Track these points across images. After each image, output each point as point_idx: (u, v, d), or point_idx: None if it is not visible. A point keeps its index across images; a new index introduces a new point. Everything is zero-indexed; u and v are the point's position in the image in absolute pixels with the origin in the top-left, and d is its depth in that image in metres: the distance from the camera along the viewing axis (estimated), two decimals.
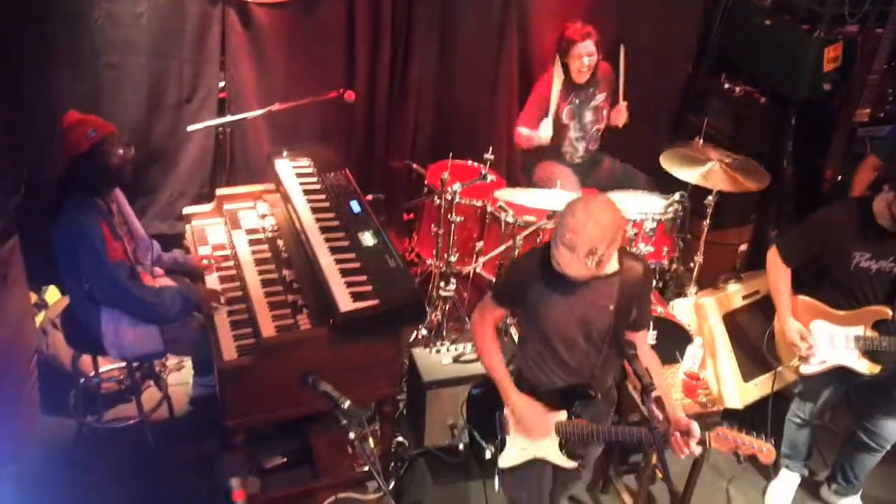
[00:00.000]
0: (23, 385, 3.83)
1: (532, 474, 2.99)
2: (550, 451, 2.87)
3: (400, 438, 4.03)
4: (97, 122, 3.38)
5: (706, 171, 4.15)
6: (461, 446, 3.79)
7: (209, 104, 4.51)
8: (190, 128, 4.23)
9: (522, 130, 4.68)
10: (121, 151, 3.41)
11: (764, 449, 2.62)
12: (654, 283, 4.28)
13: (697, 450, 2.63)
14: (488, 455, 2.97)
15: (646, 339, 2.89)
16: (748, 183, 4.15)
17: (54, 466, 3.83)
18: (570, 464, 2.87)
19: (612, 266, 2.71)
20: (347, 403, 2.50)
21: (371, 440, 2.55)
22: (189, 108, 4.48)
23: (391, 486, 3.79)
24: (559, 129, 4.68)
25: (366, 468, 3.83)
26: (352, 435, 2.46)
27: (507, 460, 2.94)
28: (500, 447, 2.95)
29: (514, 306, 2.93)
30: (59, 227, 3.37)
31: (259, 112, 4.23)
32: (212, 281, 3.84)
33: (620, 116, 4.70)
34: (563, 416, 2.83)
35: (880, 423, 3.60)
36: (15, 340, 3.77)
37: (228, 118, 4.34)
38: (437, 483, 3.93)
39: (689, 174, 4.15)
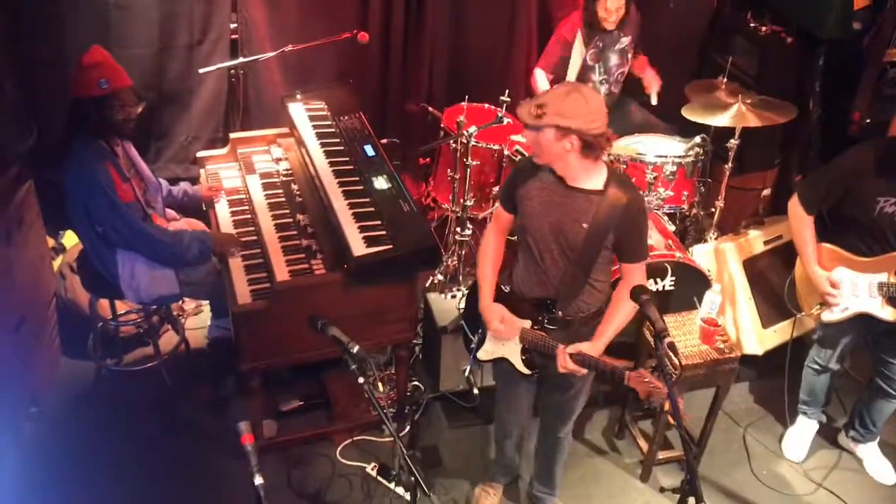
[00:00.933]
0: (42, 329, 3.88)
1: (507, 379, 3.18)
2: (513, 355, 3.01)
3: (415, 382, 4.05)
4: (113, 73, 3.30)
5: (731, 114, 4.03)
6: (476, 391, 3.80)
7: (221, 46, 4.43)
8: (202, 70, 4.17)
9: (539, 76, 4.57)
10: (128, 109, 3.36)
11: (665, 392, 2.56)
12: (674, 227, 4.20)
13: (574, 367, 2.74)
14: (473, 346, 3.16)
15: (635, 274, 2.78)
16: (775, 117, 4.04)
17: (75, 408, 3.89)
18: (524, 370, 3.00)
19: (596, 183, 2.70)
20: (356, 348, 2.49)
21: (382, 385, 2.57)
22: (201, 50, 4.40)
23: (406, 430, 3.82)
24: (582, 70, 4.57)
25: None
26: (361, 379, 2.44)
27: (482, 354, 3.14)
28: (480, 342, 3.14)
29: (510, 206, 2.92)
30: (69, 169, 3.34)
31: (272, 54, 4.16)
32: (224, 222, 3.83)
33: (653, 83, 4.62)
34: (527, 324, 2.92)
35: None
36: (33, 284, 3.80)
37: (241, 60, 4.27)
38: (453, 427, 3.95)
39: (714, 119, 4.05)
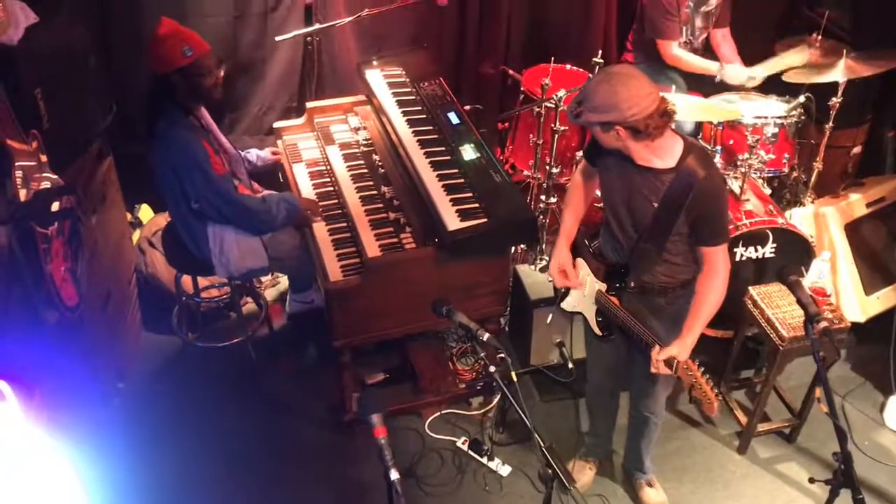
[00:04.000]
0: (125, 304, 3.88)
1: (590, 339, 3.16)
2: (589, 313, 3.01)
3: (502, 355, 3.96)
4: (193, 38, 3.20)
5: (839, 69, 3.83)
6: (571, 365, 3.70)
7: (295, 12, 4.30)
8: (278, 38, 4.06)
9: (676, 51, 4.35)
10: (214, 72, 3.28)
11: (709, 398, 2.56)
12: (772, 192, 4.03)
13: (666, 370, 2.65)
14: (558, 295, 3.16)
15: (716, 258, 2.65)
16: (891, 63, 3.86)
17: (161, 383, 3.89)
18: (597, 331, 2.99)
19: (669, 161, 2.58)
20: (486, 336, 2.39)
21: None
22: (275, 17, 4.28)
23: (496, 403, 3.74)
24: None
25: (467, 385, 3.81)
26: (492, 368, 2.34)
27: (566, 304, 3.14)
28: (566, 292, 3.12)
29: (594, 162, 2.86)
30: (161, 148, 3.28)
31: (349, 19, 4.03)
32: (307, 194, 3.75)
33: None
34: (602, 286, 2.90)
35: None
36: (116, 260, 3.79)
37: (316, 26, 4.14)
38: (545, 400, 3.87)
39: (817, 77, 3.86)
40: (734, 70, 4.23)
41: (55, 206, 2.82)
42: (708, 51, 4.56)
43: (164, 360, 4.02)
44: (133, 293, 4.03)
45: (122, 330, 3.81)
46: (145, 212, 4.56)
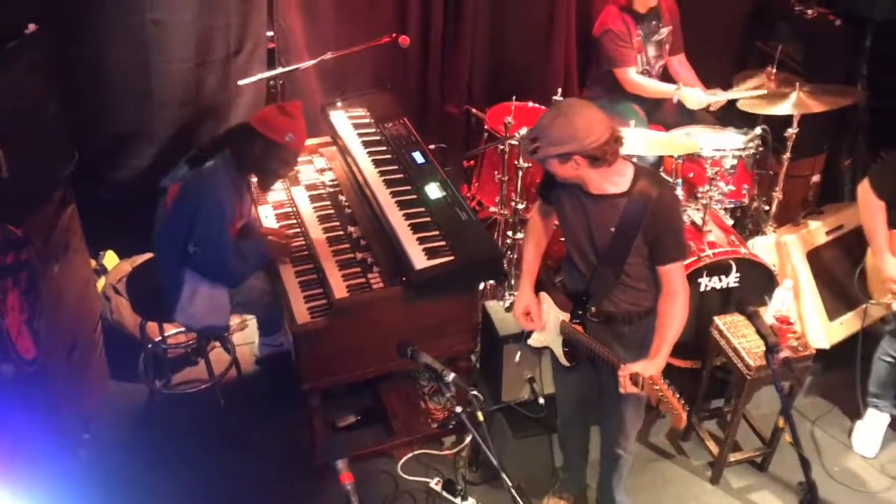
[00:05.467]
0: (91, 352, 3.81)
1: (558, 372, 3.20)
2: (555, 345, 3.03)
3: (474, 393, 3.94)
4: (300, 132, 3.34)
5: (792, 102, 3.94)
6: (542, 400, 3.70)
7: (258, 55, 4.33)
8: (241, 82, 4.08)
9: (633, 76, 4.42)
10: (289, 168, 3.49)
11: (676, 411, 2.55)
12: (731, 222, 4.10)
13: (633, 389, 2.65)
14: (525, 331, 3.19)
15: (673, 277, 2.68)
16: (837, 100, 3.98)
17: (128, 432, 3.83)
18: (564, 362, 3.01)
19: (622, 186, 2.64)
20: (452, 376, 2.38)
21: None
22: (237, 61, 4.30)
23: (468, 441, 3.72)
24: None
25: (439, 424, 3.79)
26: (458, 409, 2.33)
27: (533, 340, 3.17)
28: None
29: (548, 199, 2.90)
30: (196, 182, 3.30)
31: (312, 62, 4.06)
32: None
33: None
34: (565, 316, 2.93)
35: None
36: (80, 308, 3.73)
37: (279, 70, 4.17)
38: (517, 437, 3.85)
39: (772, 109, 3.95)
40: (691, 92, 4.31)
41: (9, 259, 2.78)
42: (667, 79, 4.65)
43: (131, 409, 3.95)
44: (99, 341, 3.96)
45: (87, 379, 3.74)
46: (110, 258, 4.51)
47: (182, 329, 4.04)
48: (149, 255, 3.87)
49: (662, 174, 4.26)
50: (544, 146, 2.54)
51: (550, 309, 2.98)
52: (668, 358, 2.69)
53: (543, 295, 3.01)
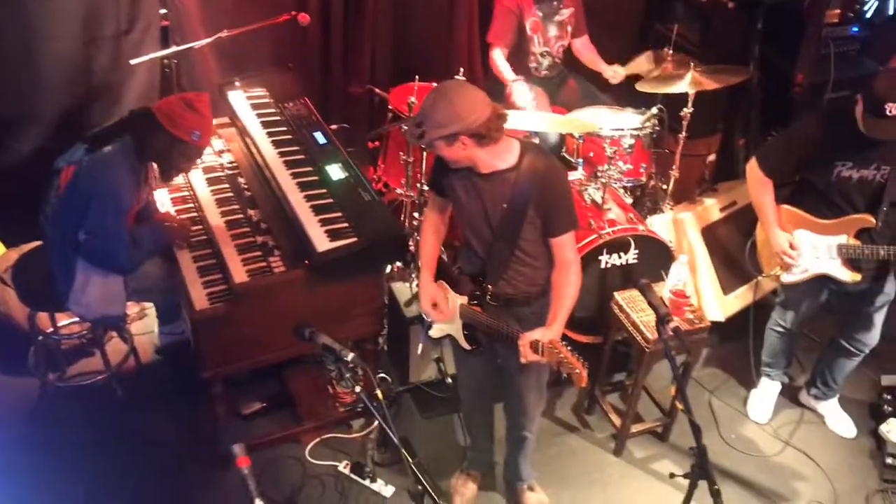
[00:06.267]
0: None
1: (460, 358, 3.21)
2: (456, 331, 3.01)
3: (382, 375, 3.94)
4: (207, 130, 3.24)
5: (687, 82, 4.04)
6: (449, 380, 3.71)
7: (151, 35, 4.16)
8: (133, 61, 3.91)
9: (497, 57, 4.42)
10: (192, 164, 3.44)
11: (577, 370, 2.61)
12: (630, 200, 4.19)
13: (534, 356, 2.67)
14: (425, 324, 3.14)
15: (565, 248, 2.75)
16: (730, 78, 4.10)
17: (20, 428, 3.66)
18: (465, 345, 3.00)
19: (510, 161, 2.68)
20: (350, 356, 2.35)
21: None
22: (129, 40, 4.12)
23: (376, 424, 3.70)
24: (524, 42, 4.47)
25: (347, 408, 3.76)
26: (358, 389, 2.30)
27: (434, 332, 3.12)
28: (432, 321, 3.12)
29: (441, 191, 2.91)
30: (94, 165, 3.15)
31: (208, 40, 3.92)
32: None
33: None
34: (464, 300, 2.93)
35: (860, 329, 3.62)
36: None
37: (173, 49, 4.00)
38: (425, 417, 3.86)
39: (668, 88, 4.05)
40: (520, 89, 4.30)
41: None
42: (571, 61, 4.71)
43: (23, 404, 3.78)
44: None
45: None
46: None
47: (76, 319, 3.89)
48: (37, 244, 3.68)
49: (565, 154, 4.34)
50: (429, 130, 2.55)
51: (449, 295, 2.98)
52: (572, 334, 2.73)
53: (442, 283, 3.01)
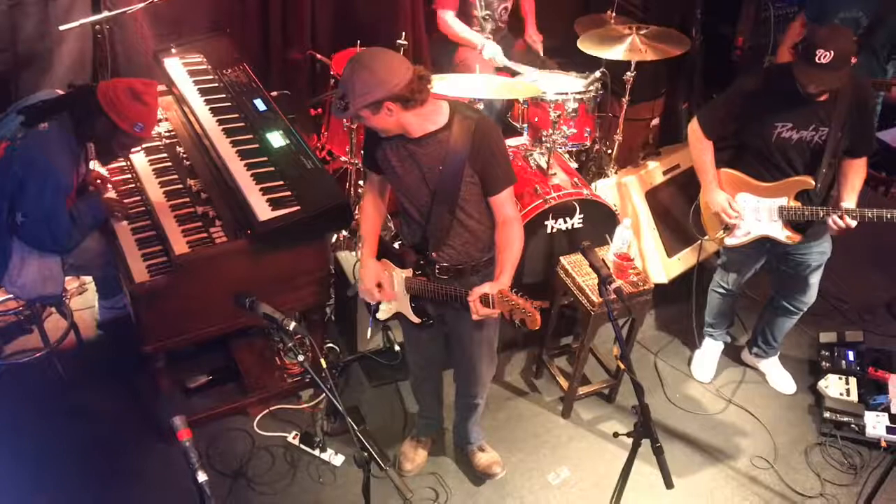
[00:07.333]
0: None
1: (408, 331, 3.15)
2: (404, 306, 2.97)
3: (330, 344, 3.91)
4: (151, 122, 3.15)
5: (627, 47, 4.03)
6: (397, 347, 3.70)
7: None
8: (62, 27, 3.75)
9: (449, 19, 4.37)
10: (129, 152, 3.43)
11: (529, 313, 2.57)
12: (575, 165, 4.20)
13: (486, 310, 2.65)
14: (372, 307, 3.08)
15: (505, 204, 2.75)
16: (669, 49, 4.08)
17: None
18: (415, 318, 2.96)
19: (440, 121, 2.66)
20: (293, 325, 2.32)
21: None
22: (58, 5, 3.93)
23: (324, 396, 3.68)
24: (466, 6, 4.42)
25: (296, 378, 3.74)
26: (301, 358, 2.28)
27: (381, 314, 3.07)
28: (377, 303, 3.06)
29: (375, 167, 2.86)
30: (30, 144, 3.04)
31: (139, 6, 3.80)
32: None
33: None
34: (408, 272, 2.90)
35: (799, 288, 3.70)
36: None
37: (105, 14, 3.86)
38: (374, 385, 3.86)
39: (610, 52, 4.03)
40: (492, 48, 4.32)
41: None
42: (516, 25, 4.69)
43: None
44: None
45: None
46: None
47: (10, 296, 3.77)
48: None
49: (510, 119, 4.32)
50: (353, 100, 2.51)
51: (394, 272, 2.94)
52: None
53: (385, 261, 2.96)
